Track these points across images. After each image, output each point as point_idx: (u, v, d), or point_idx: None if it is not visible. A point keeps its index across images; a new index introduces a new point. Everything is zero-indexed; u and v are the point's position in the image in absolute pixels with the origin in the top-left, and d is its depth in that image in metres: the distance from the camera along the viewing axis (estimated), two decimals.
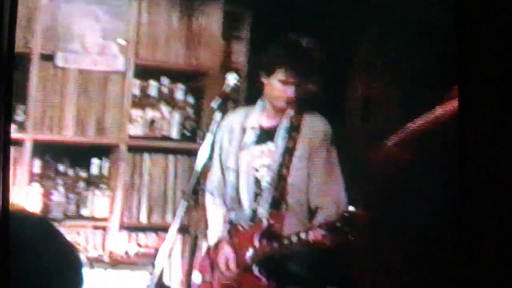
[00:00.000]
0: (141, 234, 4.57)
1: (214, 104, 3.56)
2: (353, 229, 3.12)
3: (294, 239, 3.40)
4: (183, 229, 4.33)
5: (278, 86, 3.66)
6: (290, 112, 3.68)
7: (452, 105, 1.08)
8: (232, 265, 3.62)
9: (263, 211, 3.63)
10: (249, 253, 3.57)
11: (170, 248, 3.34)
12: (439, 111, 1.09)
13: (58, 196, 4.37)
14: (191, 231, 4.60)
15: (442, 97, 1.14)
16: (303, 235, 3.38)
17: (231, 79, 3.62)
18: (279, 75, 3.64)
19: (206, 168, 3.56)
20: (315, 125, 3.68)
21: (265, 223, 3.58)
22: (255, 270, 3.56)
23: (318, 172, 3.62)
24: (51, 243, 1.16)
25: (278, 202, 3.62)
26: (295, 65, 3.62)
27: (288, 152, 3.63)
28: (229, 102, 4.19)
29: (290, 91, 3.64)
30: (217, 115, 3.54)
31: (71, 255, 1.17)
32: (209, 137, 3.48)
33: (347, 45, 4.93)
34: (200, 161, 3.39)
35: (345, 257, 3.95)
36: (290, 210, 3.60)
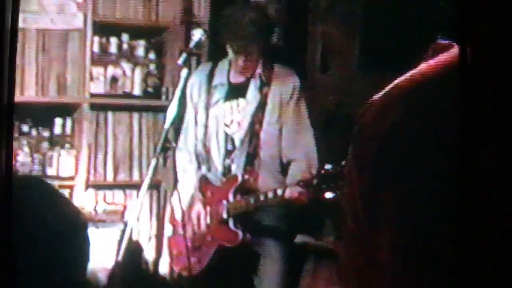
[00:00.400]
0: (108, 192, 4.57)
1: (180, 60, 3.55)
2: (331, 186, 3.18)
3: (270, 195, 3.44)
4: (152, 186, 4.37)
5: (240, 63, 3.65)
6: (259, 66, 3.68)
7: (440, 60, 1.10)
8: (203, 222, 3.66)
9: (237, 167, 3.66)
10: (223, 206, 3.61)
11: (141, 204, 3.35)
12: (424, 65, 1.11)
13: (23, 156, 4.34)
14: (160, 188, 4.65)
15: (423, 50, 1.15)
16: (279, 192, 3.42)
17: (197, 34, 3.60)
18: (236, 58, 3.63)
19: (174, 125, 3.56)
20: (284, 78, 3.69)
21: (239, 178, 3.61)
22: (231, 224, 3.60)
23: (288, 124, 3.64)
24: (57, 205, 1.17)
25: (252, 158, 3.65)
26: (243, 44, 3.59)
27: (260, 107, 3.65)
28: (193, 57, 4.20)
29: (250, 66, 3.65)
30: (184, 72, 3.54)
31: (77, 217, 1.18)
32: (176, 94, 3.48)
33: None
34: (168, 119, 3.39)
35: (320, 211, 4.03)
36: (263, 165, 3.64)
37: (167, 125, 3.39)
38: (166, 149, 3.40)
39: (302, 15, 5.08)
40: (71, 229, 1.14)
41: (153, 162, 3.31)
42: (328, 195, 3.20)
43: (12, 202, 1.09)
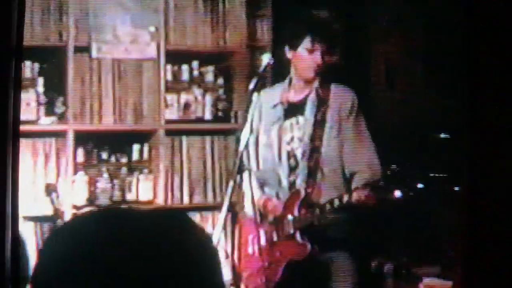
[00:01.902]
0: None
1: (252, 85, 3.68)
2: (399, 185, 3.23)
3: (336, 202, 3.51)
4: (229, 208, 4.48)
5: (305, 55, 3.76)
6: (316, 84, 3.79)
7: None
8: (270, 240, 3.74)
9: (300, 182, 3.75)
10: (289, 222, 3.69)
11: (221, 226, 3.47)
12: None
13: (103, 182, 4.52)
14: (235, 210, 4.76)
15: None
16: (345, 197, 3.49)
17: (265, 59, 3.74)
18: (304, 44, 3.75)
19: (248, 147, 3.69)
20: (342, 96, 3.79)
21: (302, 192, 3.70)
22: (298, 236, 3.68)
23: (349, 140, 3.73)
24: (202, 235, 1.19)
25: (313, 172, 3.74)
26: (319, 33, 3.74)
27: (319, 123, 3.74)
28: (262, 81, 4.33)
29: (317, 58, 3.75)
30: (255, 95, 3.67)
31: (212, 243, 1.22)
32: (249, 118, 3.61)
33: (365, 14, 5.02)
34: (242, 141, 3.52)
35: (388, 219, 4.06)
36: (325, 178, 3.72)
37: (241, 147, 3.51)
38: (242, 171, 3.52)
39: (363, 33, 5.16)
40: (211, 255, 1.18)
41: (230, 184, 3.43)
42: (398, 193, 3.24)
43: None
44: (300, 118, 3.81)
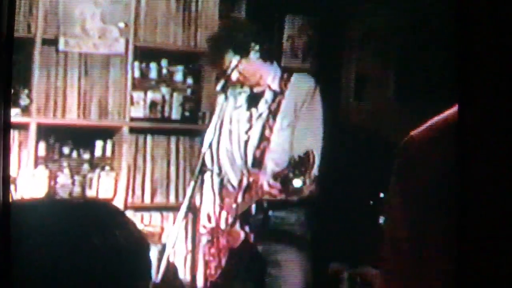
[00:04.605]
0: (146, 214, 4.67)
1: (218, 86, 3.65)
2: (297, 173, 3.17)
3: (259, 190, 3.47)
4: (190, 208, 4.44)
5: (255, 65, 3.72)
6: (278, 73, 3.74)
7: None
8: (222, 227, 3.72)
9: (245, 171, 3.73)
10: (233, 209, 3.68)
11: (179, 227, 3.43)
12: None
13: (63, 178, 4.46)
14: (196, 210, 4.72)
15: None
16: (264, 185, 3.43)
17: (234, 60, 3.70)
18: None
19: (211, 149, 3.65)
20: (299, 84, 3.74)
21: (245, 181, 3.68)
22: (237, 225, 3.66)
23: (300, 124, 3.69)
24: (128, 226, 1.23)
25: (258, 161, 3.70)
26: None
27: (271, 114, 3.70)
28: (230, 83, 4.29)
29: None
30: (221, 97, 3.63)
31: (144, 237, 1.25)
32: (214, 119, 3.57)
33: (341, 22, 5.02)
34: (206, 142, 3.48)
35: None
36: (269, 169, 3.68)
37: (204, 148, 3.47)
38: (203, 172, 3.48)
39: (337, 42, 5.16)
40: (139, 249, 1.21)
41: (191, 185, 3.40)
42: (297, 183, 3.19)
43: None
44: (255, 109, 3.77)
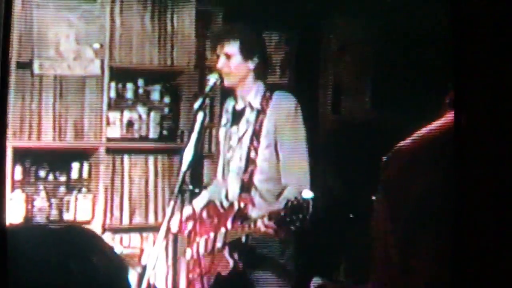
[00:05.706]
0: (125, 235, 4.61)
1: (196, 104, 3.62)
2: (294, 219, 3.16)
3: (259, 222, 3.43)
4: (169, 229, 4.39)
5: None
6: (260, 91, 3.73)
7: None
8: (208, 248, 3.68)
9: (233, 194, 3.69)
10: (221, 234, 3.63)
11: (159, 248, 3.39)
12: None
13: (40, 201, 4.40)
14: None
15: (437, 92, 1.19)
16: (259, 222, 3.40)
17: (212, 79, 3.68)
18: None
19: (191, 168, 3.61)
20: (280, 103, 3.72)
21: (235, 206, 3.64)
22: (226, 252, 3.62)
23: (284, 147, 3.66)
24: (105, 251, 1.23)
25: (247, 185, 3.67)
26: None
27: (255, 134, 3.68)
28: (207, 101, 4.27)
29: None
30: (200, 115, 3.60)
31: (122, 261, 1.24)
32: (193, 137, 3.53)
33: (317, 32, 5.03)
34: (185, 161, 3.44)
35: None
36: (258, 192, 3.66)
37: (184, 167, 3.43)
38: (183, 191, 3.44)
39: (313, 54, 5.16)
40: (117, 273, 1.20)
41: (170, 204, 3.36)
42: (293, 228, 3.18)
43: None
44: (236, 128, 3.74)
